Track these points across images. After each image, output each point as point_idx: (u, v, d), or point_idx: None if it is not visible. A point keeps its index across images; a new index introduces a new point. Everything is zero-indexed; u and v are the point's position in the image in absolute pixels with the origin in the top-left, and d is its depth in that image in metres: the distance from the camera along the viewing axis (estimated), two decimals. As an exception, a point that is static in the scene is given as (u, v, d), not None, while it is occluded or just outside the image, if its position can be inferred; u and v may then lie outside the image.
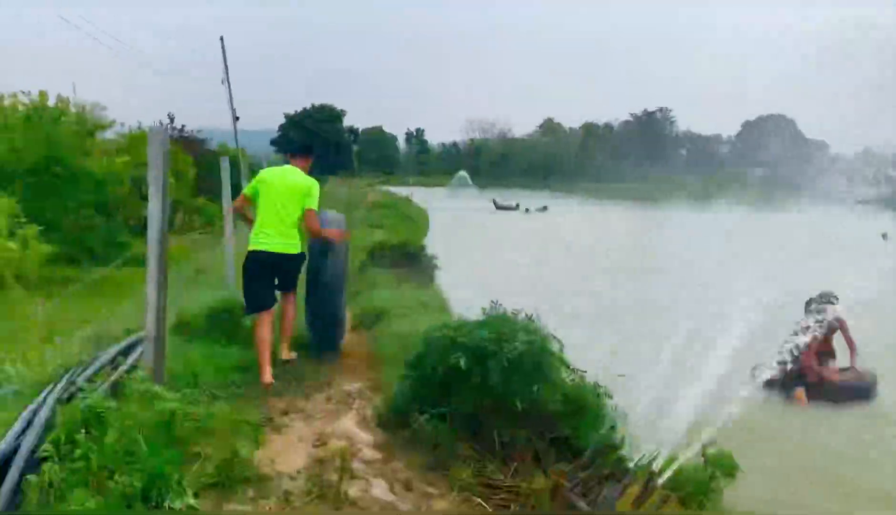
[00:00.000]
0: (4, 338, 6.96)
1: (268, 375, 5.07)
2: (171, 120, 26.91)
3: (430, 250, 10.18)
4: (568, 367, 4.09)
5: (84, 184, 12.84)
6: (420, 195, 39.31)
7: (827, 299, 7.79)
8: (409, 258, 9.47)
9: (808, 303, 7.97)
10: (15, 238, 9.38)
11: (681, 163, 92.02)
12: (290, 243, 5.33)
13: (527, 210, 37.15)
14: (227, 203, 8.35)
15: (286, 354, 5.57)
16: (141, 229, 15.70)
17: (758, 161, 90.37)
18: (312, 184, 5.43)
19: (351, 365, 5.88)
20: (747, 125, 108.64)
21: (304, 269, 5.67)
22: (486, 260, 18.05)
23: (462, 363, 3.91)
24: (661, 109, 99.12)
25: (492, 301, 4.39)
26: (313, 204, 5.34)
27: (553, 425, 4.02)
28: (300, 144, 6.25)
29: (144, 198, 16.56)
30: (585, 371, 4.15)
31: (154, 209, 4.10)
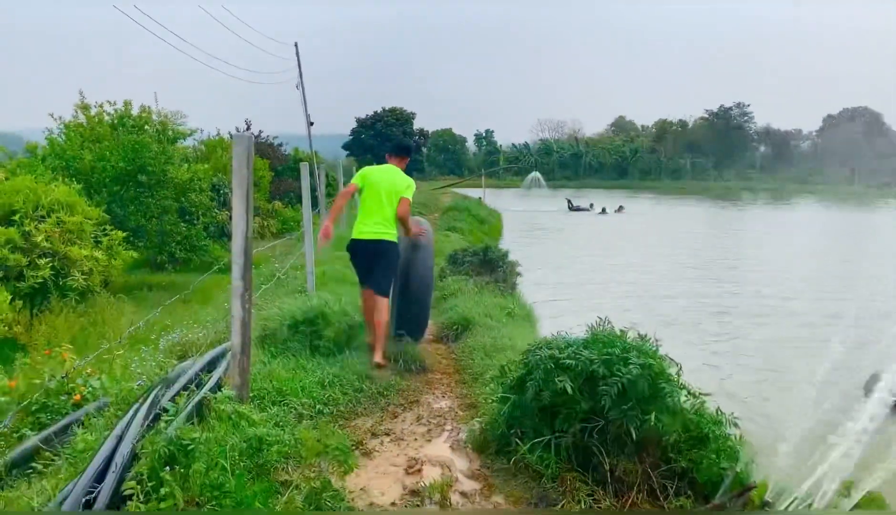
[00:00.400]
0: (93, 347, 6.98)
1: (378, 356, 5.51)
2: (248, 126, 27.38)
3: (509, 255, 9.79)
4: (689, 392, 3.66)
5: (167, 191, 13.04)
6: (491, 197, 38.83)
7: None
8: (489, 264, 9.12)
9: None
10: (101, 246, 9.51)
11: (760, 160, 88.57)
12: (387, 232, 5.79)
13: (603, 210, 36.18)
14: (307, 210, 8.20)
15: (379, 357, 5.54)
16: (219, 234, 15.95)
17: (842, 157, 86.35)
18: (410, 182, 6.02)
19: (438, 380, 5.59)
20: (829, 120, 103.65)
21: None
22: (566, 264, 17.55)
23: (568, 387, 3.55)
24: (737, 105, 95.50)
25: (599, 318, 4.00)
26: (408, 194, 5.89)
27: (669, 456, 3.61)
28: (398, 146, 6.53)
29: (223, 204, 16.70)
30: (710, 394, 3.71)
31: (238, 218, 3.89)
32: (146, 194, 12.84)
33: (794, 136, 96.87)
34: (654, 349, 3.67)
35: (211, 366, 4.58)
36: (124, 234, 10.02)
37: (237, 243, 3.89)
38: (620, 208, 36.61)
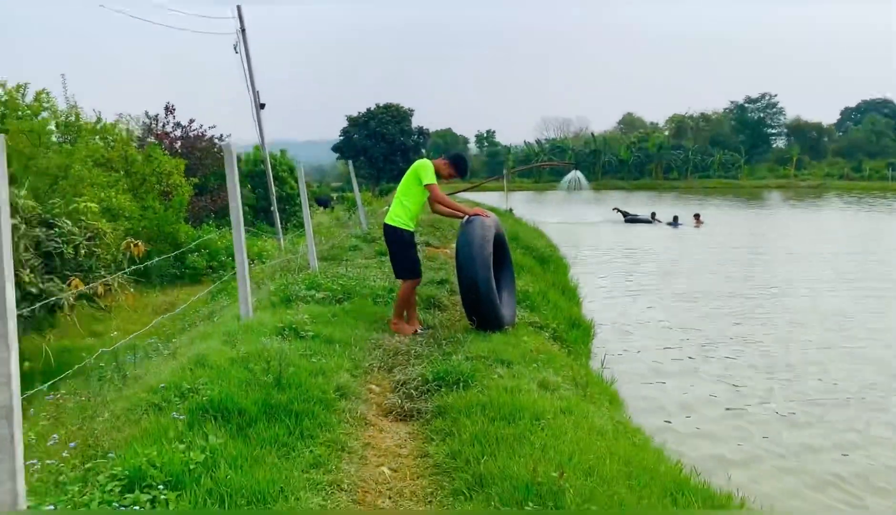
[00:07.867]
0: None
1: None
2: (170, 110, 18.23)
3: None
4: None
5: None
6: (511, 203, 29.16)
7: None
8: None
9: None
10: None
11: (793, 154, 79.18)
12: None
13: (675, 220, 26.61)
14: (238, 231, 4.63)
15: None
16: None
17: (871, 151, 77.33)
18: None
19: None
20: (847, 111, 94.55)
21: None
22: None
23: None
24: (763, 96, 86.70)
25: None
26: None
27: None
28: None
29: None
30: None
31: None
32: None
33: (818, 128, 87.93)
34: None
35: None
36: None
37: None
38: (697, 218, 27.12)
